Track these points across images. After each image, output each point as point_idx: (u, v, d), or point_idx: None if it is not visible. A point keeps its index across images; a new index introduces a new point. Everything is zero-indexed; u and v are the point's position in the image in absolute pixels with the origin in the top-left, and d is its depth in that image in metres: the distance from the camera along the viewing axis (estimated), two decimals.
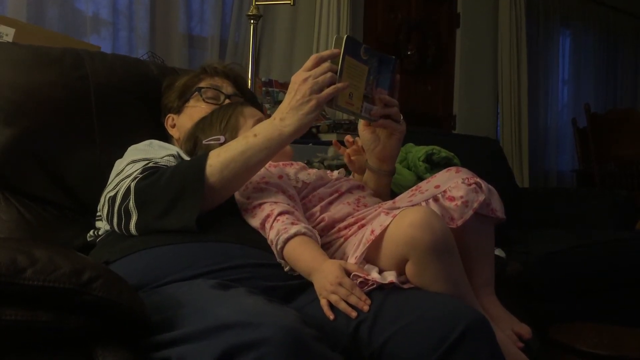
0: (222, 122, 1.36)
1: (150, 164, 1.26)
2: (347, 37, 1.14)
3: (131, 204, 1.18)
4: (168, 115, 1.54)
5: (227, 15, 3.22)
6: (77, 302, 0.82)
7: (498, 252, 2.00)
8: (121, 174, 1.27)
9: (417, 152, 2.29)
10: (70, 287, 0.81)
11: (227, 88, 1.55)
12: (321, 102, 1.14)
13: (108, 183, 1.31)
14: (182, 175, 1.17)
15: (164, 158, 1.30)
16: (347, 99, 1.16)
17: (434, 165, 2.25)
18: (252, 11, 2.58)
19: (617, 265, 2.68)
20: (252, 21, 2.58)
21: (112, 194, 1.24)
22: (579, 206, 3.25)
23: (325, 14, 3.44)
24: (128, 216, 1.19)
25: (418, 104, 4.16)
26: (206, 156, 1.18)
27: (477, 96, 4.48)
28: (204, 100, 1.49)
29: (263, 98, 2.86)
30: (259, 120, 1.36)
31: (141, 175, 1.21)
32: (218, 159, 1.17)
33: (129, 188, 1.20)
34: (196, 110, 1.48)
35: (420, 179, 2.14)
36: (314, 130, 2.81)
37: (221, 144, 1.32)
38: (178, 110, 1.52)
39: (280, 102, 2.90)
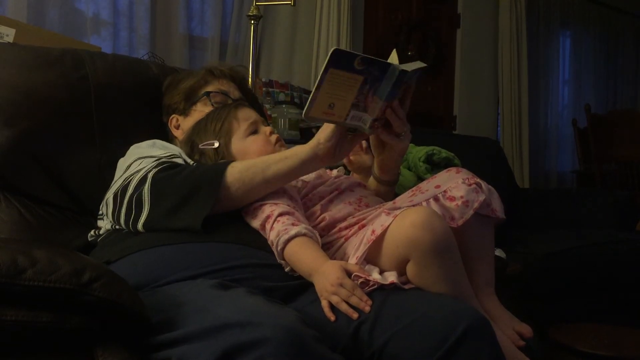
0: (216, 127, 1.36)
1: (161, 160, 1.26)
2: (333, 50, 1.09)
3: (145, 191, 1.18)
4: (173, 116, 1.53)
5: (227, 16, 3.22)
6: (77, 303, 0.82)
7: (498, 252, 2.00)
8: (128, 171, 1.27)
9: (418, 152, 2.28)
10: (70, 288, 0.81)
11: (234, 92, 1.55)
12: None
13: (113, 182, 1.31)
14: (200, 176, 1.17)
15: (171, 157, 1.30)
16: (325, 109, 1.12)
17: (435, 165, 2.25)
18: (253, 12, 2.58)
19: (617, 265, 2.68)
20: (252, 22, 2.58)
21: (120, 188, 1.24)
22: (579, 206, 3.25)
23: (326, 14, 3.44)
24: (140, 207, 1.19)
25: (418, 105, 4.16)
26: (228, 164, 1.20)
27: (478, 96, 4.48)
28: (212, 104, 1.49)
29: (263, 98, 2.86)
30: (253, 123, 1.36)
31: (161, 167, 1.21)
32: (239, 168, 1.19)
33: (144, 177, 1.20)
34: (203, 115, 1.47)
35: (420, 179, 2.14)
36: (314, 131, 2.81)
37: (215, 149, 1.33)
38: (184, 112, 1.52)
39: (280, 102, 2.91)
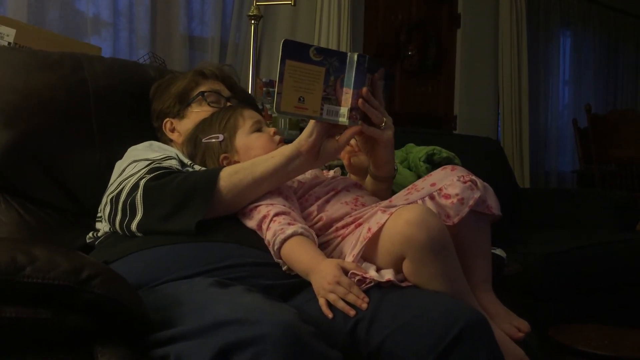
0: (221, 122, 1.37)
1: (154, 165, 1.26)
2: (284, 41, 1.11)
3: (138, 198, 1.19)
4: (166, 120, 1.53)
5: (227, 16, 3.22)
6: (76, 300, 0.83)
7: (498, 252, 2.00)
8: (123, 174, 1.28)
9: (418, 152, 2.29)
10: (69, 285, 0.81)
11: (225, 91, 1.56)
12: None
13: (109, 184, 1.32)
14: (193, 183, 1.18)
15: (166, 159, 1.31)
16: (295, 103, 1.12)
17: (435, 165, 2.25)
18: (253, 12, 2.59)
19: (617, 265, 2.68)
20: (252, 21, 2.59)
21: (115, 193, 1.24)
22: (579, 206, 3.25)
23: (326, 14, 3.44)
24: (133, 212, 1.19)
25: (419, 105, 4.17)
26: (220, 169, 1.20)
27: (478, 96, 4.48)
28: (208, 104, 1.50)
29: (264, 98, 2.86)
30: (258, 122, 1.38)
31: (152, 175, 1.22)
32: (231, 176, 1.19)
33: (137, 184, 1.20)
34: (201, 114, 1.47)
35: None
36: None
37: (219, 142, 1.33)
38: (178, 115, 1.52)
39: None
